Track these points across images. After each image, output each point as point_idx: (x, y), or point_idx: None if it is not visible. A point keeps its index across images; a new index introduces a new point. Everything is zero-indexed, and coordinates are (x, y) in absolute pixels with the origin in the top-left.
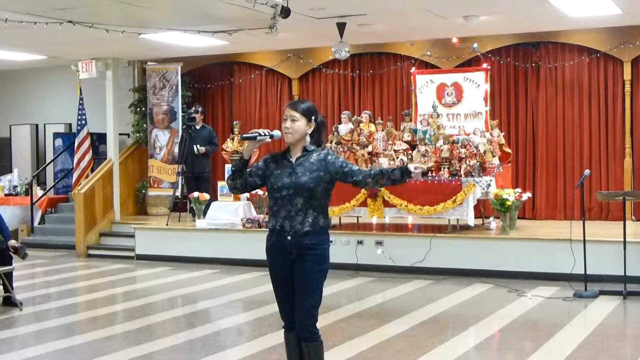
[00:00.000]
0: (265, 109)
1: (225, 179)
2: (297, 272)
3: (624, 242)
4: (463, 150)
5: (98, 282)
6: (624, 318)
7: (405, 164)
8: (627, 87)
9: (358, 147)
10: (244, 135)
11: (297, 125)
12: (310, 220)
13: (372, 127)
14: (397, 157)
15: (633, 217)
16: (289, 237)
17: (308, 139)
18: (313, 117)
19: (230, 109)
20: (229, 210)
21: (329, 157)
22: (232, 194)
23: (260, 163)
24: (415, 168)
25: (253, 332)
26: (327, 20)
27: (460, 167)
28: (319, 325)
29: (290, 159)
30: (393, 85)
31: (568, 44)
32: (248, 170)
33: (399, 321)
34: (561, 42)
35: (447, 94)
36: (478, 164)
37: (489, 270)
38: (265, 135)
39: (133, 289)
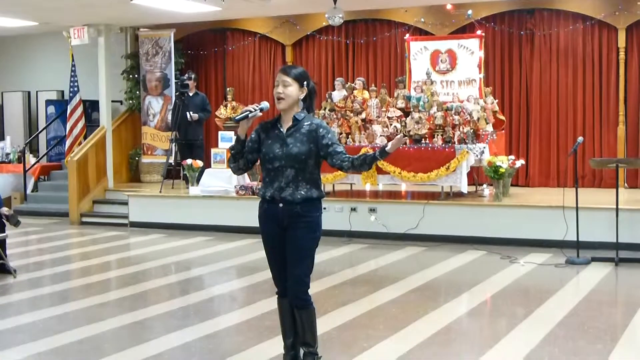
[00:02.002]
0: (258, 76)
1: (227, 162)
2: (289, 239)
3: (617, 209)
4: (457, 117)
5: (91, 250)
6: (616, 284)
7: (398, 130)
8: (622, 55)
9: (352, 114)
10: (236, 118)
11: (290, 91)
12: (302, 193)
13: (366, 94)
14: (391, 124)
15: (626, 184)
16: (280, 205)
17: (301, 104)
18: (305, 83)
19: (224, 76)
20: (223, 177)
21: (320, 130)
22: (224, 162)
23: (253, 135)
24: (392, 144)
25: (246, 299)
26: None
27: (453, 134)
28: (311, 291)
29: (281, 129)
30: (387, 52)
31: (563, 11)
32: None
33: (391, 287)
34: (556, 8)
35: (441, 60)
36: (472, 131)
37: (482, 237)
38: (255, 110)
39: (126, 256)
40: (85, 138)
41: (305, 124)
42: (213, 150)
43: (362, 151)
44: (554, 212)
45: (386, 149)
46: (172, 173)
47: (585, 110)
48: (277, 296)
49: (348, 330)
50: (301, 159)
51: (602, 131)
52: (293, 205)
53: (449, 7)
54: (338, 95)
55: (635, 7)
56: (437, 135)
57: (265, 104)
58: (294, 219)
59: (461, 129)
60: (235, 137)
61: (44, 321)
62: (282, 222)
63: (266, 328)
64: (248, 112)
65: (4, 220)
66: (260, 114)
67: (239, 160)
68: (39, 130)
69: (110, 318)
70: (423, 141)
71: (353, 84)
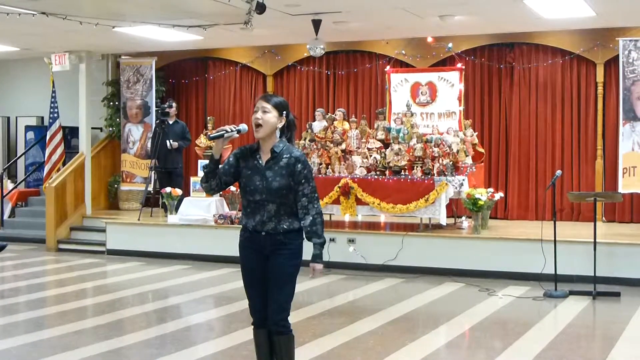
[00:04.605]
0: (239, 105)
1: (199, 181)
2: (271, 266)
3: (594, 242)
4: (436, 149)
5: (68, 277)
6: (593, 318)
7: (378, 162)
8: (600, 89)
9: (332, 145)
10: (211, 135)
11: (268, 117)
12: (285, 227)
13: (346, 125)
14: (371, 155)
15: (603, 218)
16: (263, 233)
17: (278, 134)
18: (284, 112)
19: (204, 105)
20: (201, 206)
21: (298, 166)
22: (202, 187)
23: (230, 159)
24: (314, 268)
25: (223, 328)
26: (302, 17)
27: (433, 166)
28: (289, 321)
29: (260, 160)
30: (367, 84)
31: (542, 45)
32: (220, 167)
33: (369, 319)
34: (535, 43)
35: (421, 93)
36: (451, 163)
37: (460, 269)
38: (232, 131)
39: (103, 284)
40: (64, 164)
41: (285, 156)
42: (192, 179)
43: (342, 182)
44: (532, 245)
45: (314, 264)
46: (151, 201)
47: (563, 144)
48: (252, 327)
49: None
50: (282, 193)
51: (581, 165)
52: (276, 235)
53: (429, 39)
54: (318, 125)
55: (613, 42)
56: (417, 167)
57: (243, 126)
58: (277, 246)
59: (440, 161)
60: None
61: (18, 348)
62: (265, 249)
63: (243, 358)
64: (224, 132)
65: None
66: (237, 135)
67: (211, 180)
68: (18, 155)
69: (86, 346)
70: (402, 173)
71: (333, 115)
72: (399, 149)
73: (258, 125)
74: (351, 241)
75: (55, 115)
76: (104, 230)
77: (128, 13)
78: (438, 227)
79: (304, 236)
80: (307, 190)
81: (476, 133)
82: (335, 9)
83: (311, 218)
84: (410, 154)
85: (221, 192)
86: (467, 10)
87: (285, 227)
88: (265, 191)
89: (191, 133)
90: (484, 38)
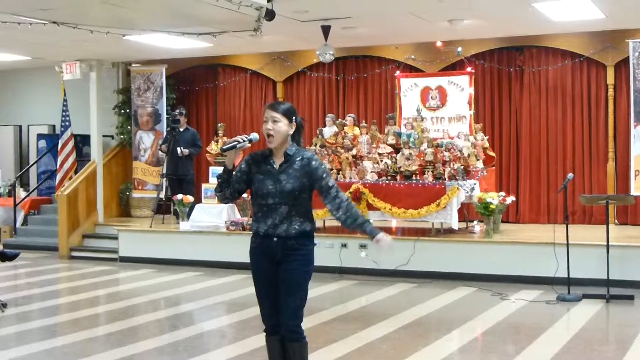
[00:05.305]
0: (249, 112)
1: (214, 190)
2: (282, 273)
3: (607, 245)
4: (447, 153)
5: (81, 284)
6: (607, 322)
7: (389, 167)
8: (610, 91)
9: (342, 150)
10: (223, 148)
11: (279, 127)
12: (296, 227)
13: (357, 131)
14: (381, 161)
15: (616, 221)
16: (275, 239)
17: (290, 139)
18: (294, 118)
19: (215, 112)
20: (213, 212)
21: (313, 163)
22: (216, 197)
23: (243, 166)
24: (379, 241)
25: (236, 335)
26: (311, 23)
27: (444, 170)
28: (302, 327)
29: (274, 165)
30: (377, 89)
31: (552, 48)
32: (232, 175)
33: (382, 324)
34: (545, 46)
35: (431, 97)
36: (462, 167)
37: (472, 273)
38: (244, 141)
39: (116, 291)
40: (76, 172)
41: (297, 159)
42: (204, 186)
43: (353, 187)
44: (545, 249)
45: (377, 236)
46: (163, 208)
47: (575, 147)
48: (265, 334)
49: None
50: (295, 195)
51: (592, 167)
52: (287, 239)
53: (439, 44)
54: (329, 131)
55: (623, 44)
56: (428, 171)
57: (254, 135)
58: (288, 251)
59: (451, 165)
60: (223, 166)
61: (32, 356)
62: (276, 255)
63: None
64: (236, 143)
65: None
66: (249, 145)
67: (225, 189)
68: (30, 164)
69: (99, 353)
70: (413, 177)
71: (344, 120)
72: (410, 153)
73: (270, 136)
74: (363, 247)
75: (67, 123)
76: (116, 238)
77: (138, 21)
78: (450, 231)
79: (344, 225)
80: (330, 182)
81: (487, 137)
82: (344, 15)
83: (344, 207)
84: (421, 158)
85: None
86: (476, 15)
87: (296, 227)
88: (278, 194)
89: (202, 140)
90: (493, 42)
